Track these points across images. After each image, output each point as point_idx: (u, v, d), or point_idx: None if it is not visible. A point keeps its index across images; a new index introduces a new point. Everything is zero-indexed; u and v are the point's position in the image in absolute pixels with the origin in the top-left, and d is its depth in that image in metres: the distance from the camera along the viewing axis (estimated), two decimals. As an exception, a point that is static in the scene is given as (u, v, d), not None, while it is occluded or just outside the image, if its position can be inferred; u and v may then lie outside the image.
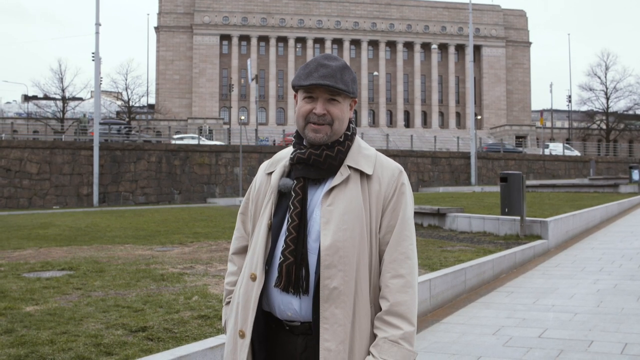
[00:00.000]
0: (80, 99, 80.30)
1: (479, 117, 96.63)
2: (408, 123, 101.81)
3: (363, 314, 2.20)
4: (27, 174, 35.97)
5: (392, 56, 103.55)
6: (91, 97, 67.38)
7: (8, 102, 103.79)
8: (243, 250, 2.54)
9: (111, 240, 13.95)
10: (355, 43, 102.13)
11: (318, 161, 2.28)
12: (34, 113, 73.55)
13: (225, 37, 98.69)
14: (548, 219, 13.87)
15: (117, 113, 76.65)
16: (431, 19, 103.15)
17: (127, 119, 69.66)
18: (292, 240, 2.21)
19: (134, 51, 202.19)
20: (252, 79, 54.42)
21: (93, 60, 38.76)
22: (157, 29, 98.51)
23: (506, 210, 13.73)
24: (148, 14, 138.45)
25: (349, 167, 2.29)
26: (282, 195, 2.32)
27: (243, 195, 36.72)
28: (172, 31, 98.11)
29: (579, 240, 15.03)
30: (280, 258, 2.22)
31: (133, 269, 9.38)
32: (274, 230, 2.29)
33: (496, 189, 29.30)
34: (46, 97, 76.16)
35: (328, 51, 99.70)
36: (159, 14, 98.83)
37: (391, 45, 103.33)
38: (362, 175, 2.29)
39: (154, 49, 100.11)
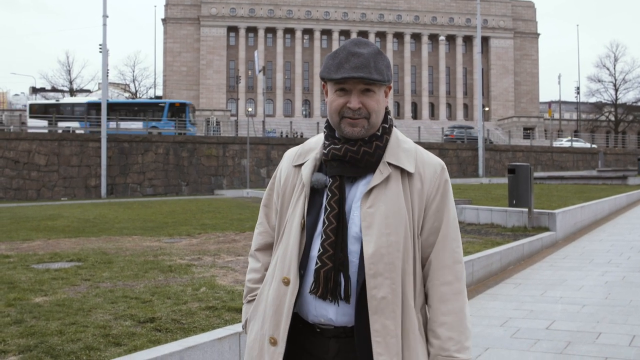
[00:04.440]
0: (88, 90, 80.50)
1: (486, 109, 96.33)
2: (415, 114, 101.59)
3: (410, 323, 2.08)
4: (35, 165, 36.13)
5: (400, 48, 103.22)
6: (99, 88, 67.48)
7: (16, 95, 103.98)
8: (268, 247, 2.37)
9: (119, 232, 14.00)
10: (363, 35, 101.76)
11: (355, 158, 2.11)
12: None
13: (233, 29, 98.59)
14: (556, 211, 13.83)
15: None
16: (439, 10, 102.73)
17: None
18: (331, 244, 2.07)
19: (141, 43, 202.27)
20: (260, 71, 54.54)
21: (100, 52, 38.81)
22: (164, 20, 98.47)
23: (514, 202, 13.70)
24: (155, 6, 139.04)
25: (389, 164, 2.13)
26: (314, 192, 2.16)
27: (250, 187, 36.79)
28: (179, 23, 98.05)
29: (587, 232, 14.99)
30: (317, 263, 2.08)
31: (141, 260, 9.41)
32: (307, 231, 2.13)
33: (504, 180, 29.22)
34: (54, 89, 76.35)
35: (335, 43, 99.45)
36: (166, 5, 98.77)
37: (399, 36, 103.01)
38: (403, 172, 2.13)
39: (161, 40, 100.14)
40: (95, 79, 76.99)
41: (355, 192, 2.12)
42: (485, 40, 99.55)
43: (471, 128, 57.84)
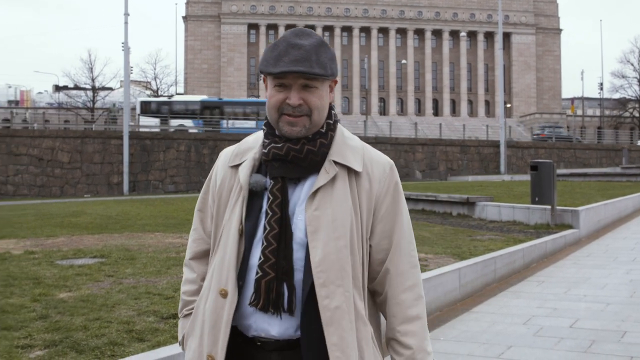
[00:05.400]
0: (110, 88, 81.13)
1: (508, 105, 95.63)
2: (437, 111, 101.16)
3: (364, 333, 1.94)
4: (58, 163, 36.52)
5: (421, 44, 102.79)
6: (121, 86, 68.02)
7: (40, 93, 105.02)
8: (203, 255, 2.18)
9: (141, 229, 14.09)
10: (384, 31, 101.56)
11: (298, 157, 1.94)
12: (65, 103, 74.49)
13: (253, 26, 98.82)
14: (579, 208, 13.71)
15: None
16: (460, 6, 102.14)
17: None
18: (272, 252, 1.89)
19: (163, 41, 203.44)
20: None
21: (123, 50, 39.08)
22: (185, 18, 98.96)
23: (536, 199, 13.60)
24: (176, 4, 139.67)
25: (335, 162, 1.96)
26: (253, 195, 1.97)
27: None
28: (200, 20, 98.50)
29: (611, 229, 14.84)
30: (258, 273, 1.90)
31: (163, 256, 9.47)
32: (246, 238, 1.95)
33: (526, 177, 29.02)
34: (77, 87, 76.98)
35: (355, 40, 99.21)
36: (187, 3, 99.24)
37: (419, 33, 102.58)
38: (350, 171, 1.96)
39: (182, 38, 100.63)
40: (117, 77, 77.48)
41: (300, 195, 1.96)
42: (506, 36, 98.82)
43: (560, 127, 60.57)
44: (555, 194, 13.44)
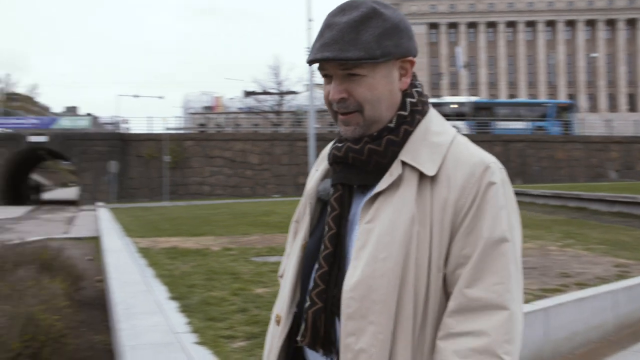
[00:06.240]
0: (295, 92, 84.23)
1: None
2: (632, 107, 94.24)
3: None
4: (249, 164, 38.63)
5: (612, 35, 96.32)
6: (307, 90, 70.40)
7: (231, 98, 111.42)
8: None
9: (328, 228, 14.49)
10: (570, 24, 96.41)
11: (359, 160, 1.52)
12: (254, 107, 78.42)
13: (433, 26, 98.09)
14: None
15: (329, 105, 79.33)
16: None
17: None
18: (322, 276, 1.50)
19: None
20: (464, 66, 53.30)
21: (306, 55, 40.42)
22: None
23: None
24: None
25: (404, 163, 1.49)
26: (324, 205, 1.62)
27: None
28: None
29: None
30: (307, 301, 1.52)
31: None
32: (307, 256, 1.60)
33: None
34: (264, 92, 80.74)
35: (540, 35, 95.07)
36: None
37: (611, 23, 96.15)
38: (424, 175, 1.47)
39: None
40: (301, 81, 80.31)
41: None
42: None
43: None
44: None
